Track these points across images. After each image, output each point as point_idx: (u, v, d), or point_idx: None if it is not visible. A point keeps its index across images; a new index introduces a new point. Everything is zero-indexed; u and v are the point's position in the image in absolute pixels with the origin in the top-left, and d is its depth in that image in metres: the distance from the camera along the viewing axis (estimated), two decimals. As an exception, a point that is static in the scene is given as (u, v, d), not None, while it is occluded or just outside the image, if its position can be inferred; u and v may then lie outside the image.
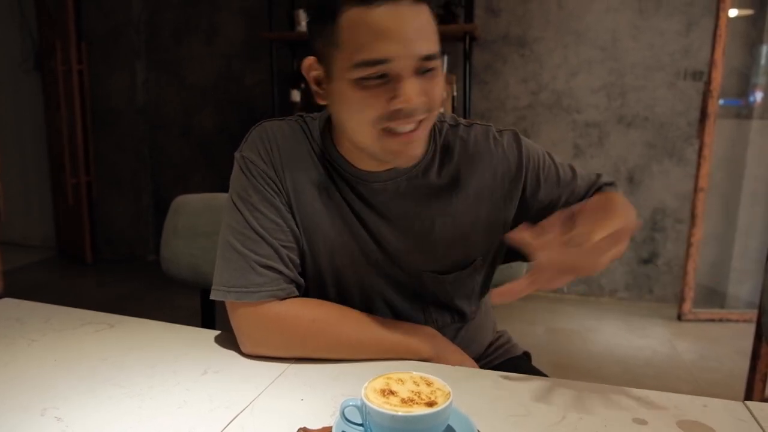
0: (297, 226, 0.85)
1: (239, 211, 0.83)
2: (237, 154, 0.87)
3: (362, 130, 0.75)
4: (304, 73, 0.80)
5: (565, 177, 0.89)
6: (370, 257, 0.87)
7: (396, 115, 0.72)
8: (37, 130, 4.13)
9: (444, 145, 0.87)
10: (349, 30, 0.70)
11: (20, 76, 4.13)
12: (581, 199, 0.88)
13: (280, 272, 0.81)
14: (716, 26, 2.66)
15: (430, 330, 0.85)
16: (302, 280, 0.85)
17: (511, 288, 0.67)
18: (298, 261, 0.85)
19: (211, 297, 0.83)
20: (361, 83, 0.72)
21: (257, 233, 0.82)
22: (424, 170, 0.86)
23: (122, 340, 0.88)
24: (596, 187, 0.91)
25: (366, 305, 0.88)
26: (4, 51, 4.12)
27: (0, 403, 0.68)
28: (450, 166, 0.87)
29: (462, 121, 0.90)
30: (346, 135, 0.81)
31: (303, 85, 3.22)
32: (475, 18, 3.06)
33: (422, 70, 0.72)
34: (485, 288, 0.98)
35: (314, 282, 0.88)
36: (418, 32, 0.70)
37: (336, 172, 0.86)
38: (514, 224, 0.88)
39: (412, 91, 0.71)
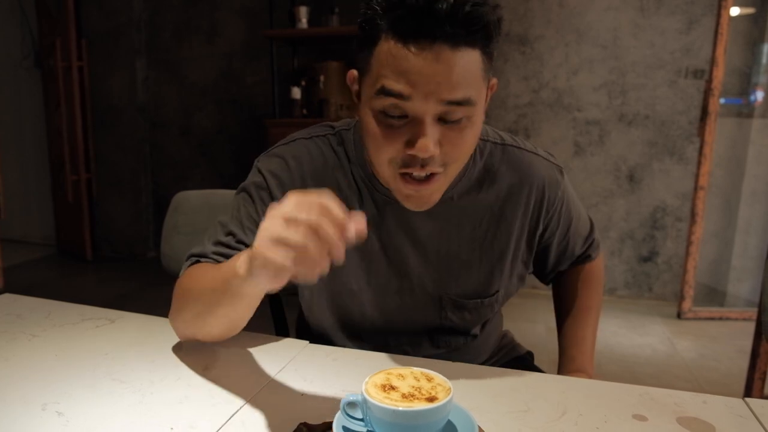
0: None
1: (231, 209, 0.85)
2: (258, 164, 0.85)
3: (380, 165, 0.73)
4: (348, 83, 0.78)
5: (577, 230, 0.94)
6: (389, 277, 0.85)
7: (410, 161, 0.70)
8: (37, 127, 4.13)
9: (486, 168, 0.84)
10: (381, 60, 0.68)
11: (20, 73, 4.13)
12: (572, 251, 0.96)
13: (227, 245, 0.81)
14: (718, 24, 2.65)
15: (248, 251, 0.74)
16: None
17: None
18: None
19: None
20: (381, 117, 0.69)
21: (234, 223, 0.82)
22: (460, 192, 0.83)
23: (123, 336, 0.88)
24: (588, 245, 0.99)
25: (383, 319, 0.87)
26: (5, 48, 4.12)
27: (1, 398, 0.68)
28: (490, 190, 0.84)
29: (507, 139, 0.86)
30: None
31: (304, 83, 3.21)
32: (476, 16, 3.06)
33: (448, 119, 0.68)
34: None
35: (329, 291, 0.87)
36: (449, 76, 0.65)
37: (366, 189, 0.83)
38: (522, 259, 0.89)
39: (429, 139, 0.67)
